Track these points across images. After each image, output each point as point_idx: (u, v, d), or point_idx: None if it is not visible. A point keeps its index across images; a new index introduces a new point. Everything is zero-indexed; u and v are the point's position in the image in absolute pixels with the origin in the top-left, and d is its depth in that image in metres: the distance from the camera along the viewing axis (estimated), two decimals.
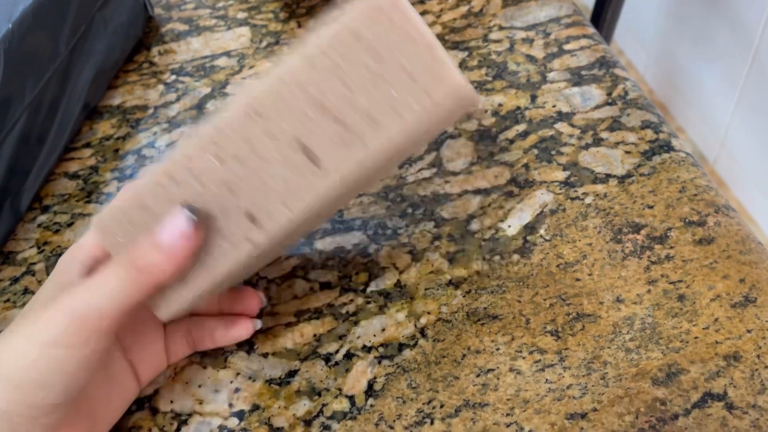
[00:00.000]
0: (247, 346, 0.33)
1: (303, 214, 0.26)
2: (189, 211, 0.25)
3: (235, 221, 0.26)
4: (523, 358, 0.31)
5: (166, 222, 0.25)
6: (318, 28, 0.25)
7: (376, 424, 0.29)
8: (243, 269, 0.28)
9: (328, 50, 0.25)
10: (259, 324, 0.33)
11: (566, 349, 0.31)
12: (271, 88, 0.25)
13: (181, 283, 0.27)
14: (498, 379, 0.30)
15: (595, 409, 0.29)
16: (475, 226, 0.36)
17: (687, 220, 0.35)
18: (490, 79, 0.45)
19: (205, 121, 0.26)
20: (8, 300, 0.37)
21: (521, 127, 0.41)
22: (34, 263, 0.38)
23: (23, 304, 0.36)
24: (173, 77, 0.50)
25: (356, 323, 0.33)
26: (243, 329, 0.32)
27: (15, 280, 0.38)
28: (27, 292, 0.37)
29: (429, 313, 0.33)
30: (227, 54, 0.52)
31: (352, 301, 0.34)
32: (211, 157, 0.25)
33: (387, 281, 0.35)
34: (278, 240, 0.27)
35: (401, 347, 0.32)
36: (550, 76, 0.44)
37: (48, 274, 0.38)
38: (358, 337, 0.33)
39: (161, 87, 0.50)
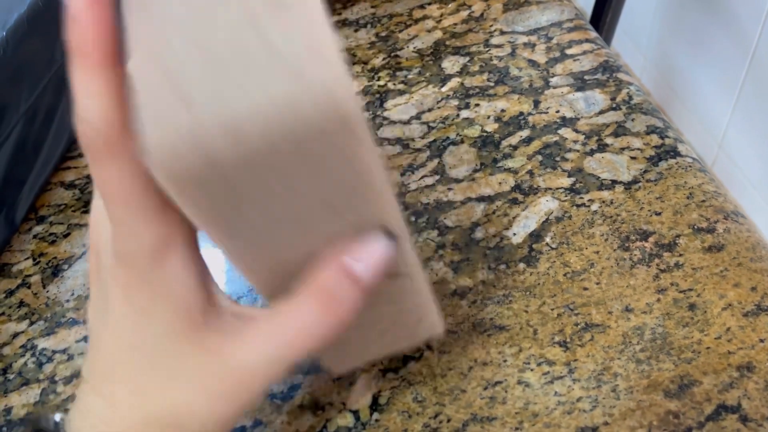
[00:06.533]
0: None
1: None
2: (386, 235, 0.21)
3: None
4: (532, 370, 0.30)
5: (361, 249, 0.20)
6: None
7: None
8: None
9: None
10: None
11: (575, 360, 0.30)
12: None
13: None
14: (506, 392, 0.29)
15: (606, 423, 0.28)
16: (479, 234, 0.36)
17: (696, 227, 0.34)
18: (492, 84, 0.44)
19: None
20: (3, 313, 0.36)
21: (524, 133, 0.41)
22: (29, 275, 0.38)
23: (18, 318, 0.35)
24: None
25: None
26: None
27: (10, 293, 0.37)
28: (22, 305, 0.36)
29: None
30: None
31: None
32: None
33: None
34: None
35: (406, 360, 0.31)
36: (553, 81, 0.44)
37: (44, 287, 0.37)
38: None
39: None
